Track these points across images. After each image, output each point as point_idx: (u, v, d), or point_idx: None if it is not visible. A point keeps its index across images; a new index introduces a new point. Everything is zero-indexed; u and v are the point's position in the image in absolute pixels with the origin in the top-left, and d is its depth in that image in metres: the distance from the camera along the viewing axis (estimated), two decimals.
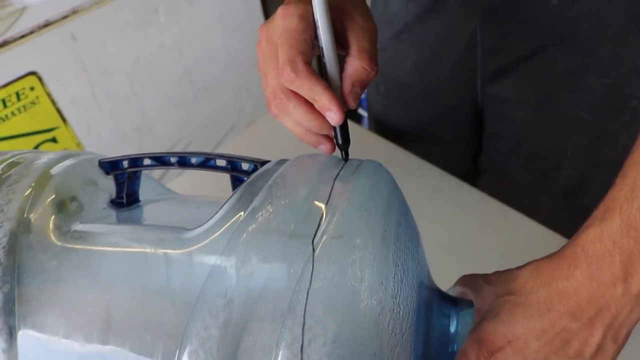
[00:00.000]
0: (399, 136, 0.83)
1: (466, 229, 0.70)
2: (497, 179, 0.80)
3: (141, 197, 0.43)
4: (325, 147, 0.41)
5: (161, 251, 0.32)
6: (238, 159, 0.36)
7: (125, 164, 0.40)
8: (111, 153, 0.42)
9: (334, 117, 0.37)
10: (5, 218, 0.34)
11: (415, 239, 0.34)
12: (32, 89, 1.09)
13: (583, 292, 0.32)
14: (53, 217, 0.35)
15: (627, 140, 0.65)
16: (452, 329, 0.35)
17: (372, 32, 0.40)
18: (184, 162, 0.38)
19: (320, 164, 0.36)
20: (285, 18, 0.37)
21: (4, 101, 1.07)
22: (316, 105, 0.37)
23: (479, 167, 0.85)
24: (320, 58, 0.39)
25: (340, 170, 0.35)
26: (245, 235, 0.30)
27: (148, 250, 0.32)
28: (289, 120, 0.40)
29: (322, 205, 0.31)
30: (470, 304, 0.36)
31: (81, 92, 1.14)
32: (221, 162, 0.37)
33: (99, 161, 0.40)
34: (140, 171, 0.41)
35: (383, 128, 0.87)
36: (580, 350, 0.33)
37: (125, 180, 0.40)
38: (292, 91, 0.38)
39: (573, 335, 0.33)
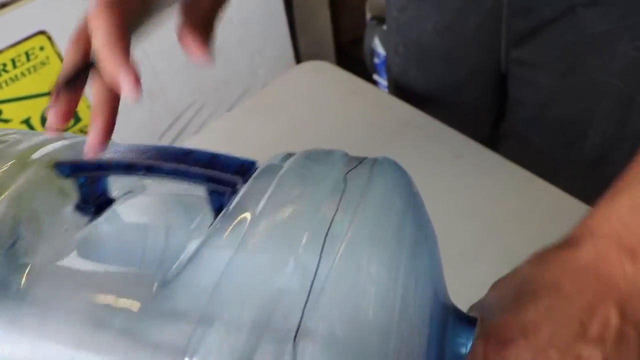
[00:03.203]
0: (418, 99, 0.81)
1: (488, 196, 0.68)
2: (519, 146, 0.78)
3: (114, 189, 0.37)
4: None
5: (135, 309, 0.27)
6: (217, 169, 0.31)
7: (86, 168, 0.34)
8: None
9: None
10: None
11: (433, 267, 0.30)
12: (41, 48, 1.07)
13: (590, 271, 0.31)
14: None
15: None
16: (467, 351, 0.32)
17: None
18: (152, 170, 0.33)
19: (320, 186, 0.30)
20: None
21: (13, 61, 1.05)
22: None
23: (499, 134, 0.83)
24: None
25: (342, 195, 0.29)
26: (220, 302, 0.25)
27: (115, 301, 0.27)
28: None
29: (313, 269, 0.25)
30: None
31: None
32: (196, 171, 0.32)
33: (55, 164, 0.33)
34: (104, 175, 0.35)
35: (401, 91, 0.85)
36: (601, 334, 0.30)
37: (87, 183, 0.34)
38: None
39: (587, 313, 0.30)
